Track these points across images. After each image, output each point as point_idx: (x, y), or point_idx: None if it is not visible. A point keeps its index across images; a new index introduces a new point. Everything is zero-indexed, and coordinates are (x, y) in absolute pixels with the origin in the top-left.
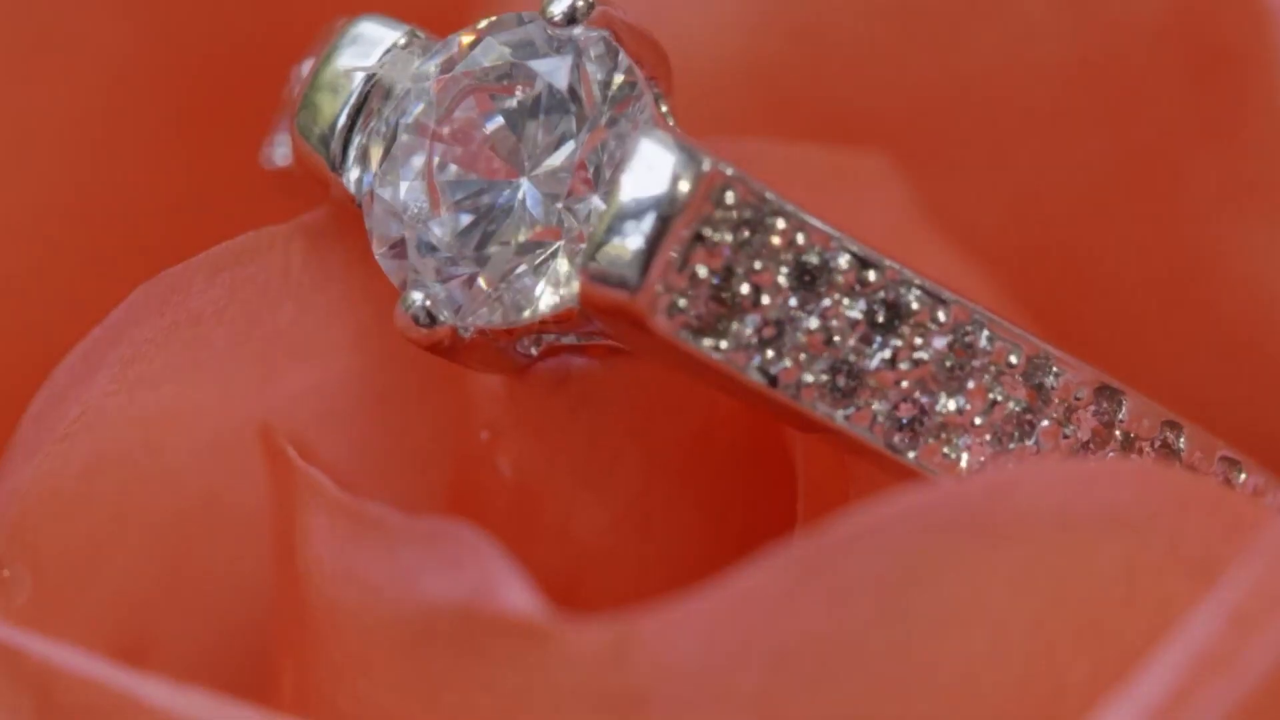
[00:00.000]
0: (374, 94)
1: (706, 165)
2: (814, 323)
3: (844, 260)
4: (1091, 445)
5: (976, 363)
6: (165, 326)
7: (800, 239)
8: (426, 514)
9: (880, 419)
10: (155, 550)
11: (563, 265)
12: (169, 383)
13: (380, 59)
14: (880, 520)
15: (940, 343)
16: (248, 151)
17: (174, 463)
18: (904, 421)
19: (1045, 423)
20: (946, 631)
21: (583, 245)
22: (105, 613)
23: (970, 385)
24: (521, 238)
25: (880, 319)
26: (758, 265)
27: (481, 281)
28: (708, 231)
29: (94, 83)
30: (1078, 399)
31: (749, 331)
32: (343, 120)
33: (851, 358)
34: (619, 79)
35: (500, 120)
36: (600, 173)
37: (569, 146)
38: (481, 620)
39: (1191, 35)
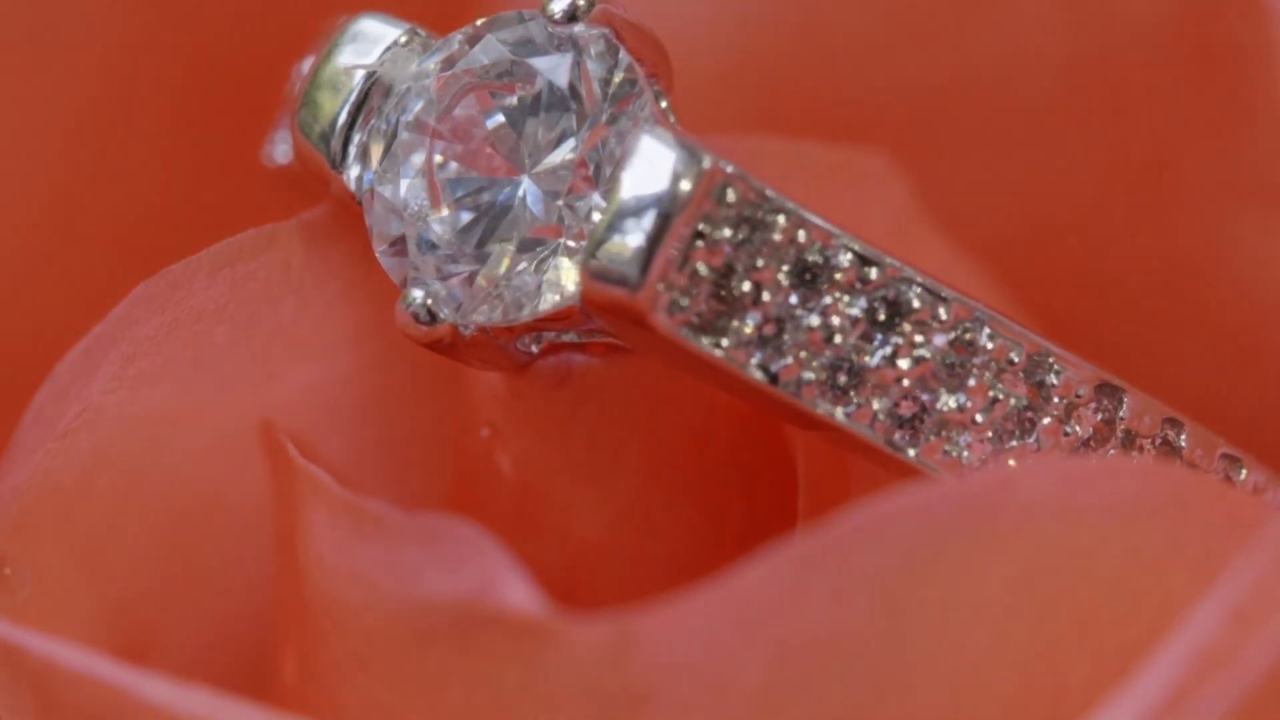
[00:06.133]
0: (374, 92)
1: (707, 163)
2: (815, 320)
3: (845, 258)
4: (1092, 443)
5: (977, 360)
6: (166, 324)
7: (801, 236)
8: (427, 511)
9: (881, 416)
10: (156, 548)
11: (563, 263)
12: (170, 380)
13: (381, 57)
14: (881, 518)
15: (941, 340)
16: (248, 149)
17: (175, 460)
18: (904, 419)
19: (1046, 420)
20: (947, 629)
21: (583, 243)
22: (106, 610)
23: (971, 383)
24: (522, 235)
25: (881, 316)
26: (758, 263)
27: (482, 279)
28: (708, 229)
29: (94, 80)
30: (1078, 396)
31: (749, 329)
32: (343, 118)
33: (852, 355)
34: (619, 76)
35: (500, 118)
36: (601, 170)
37: (569, 144)
38: (482, 618)
39: (1192, 32)
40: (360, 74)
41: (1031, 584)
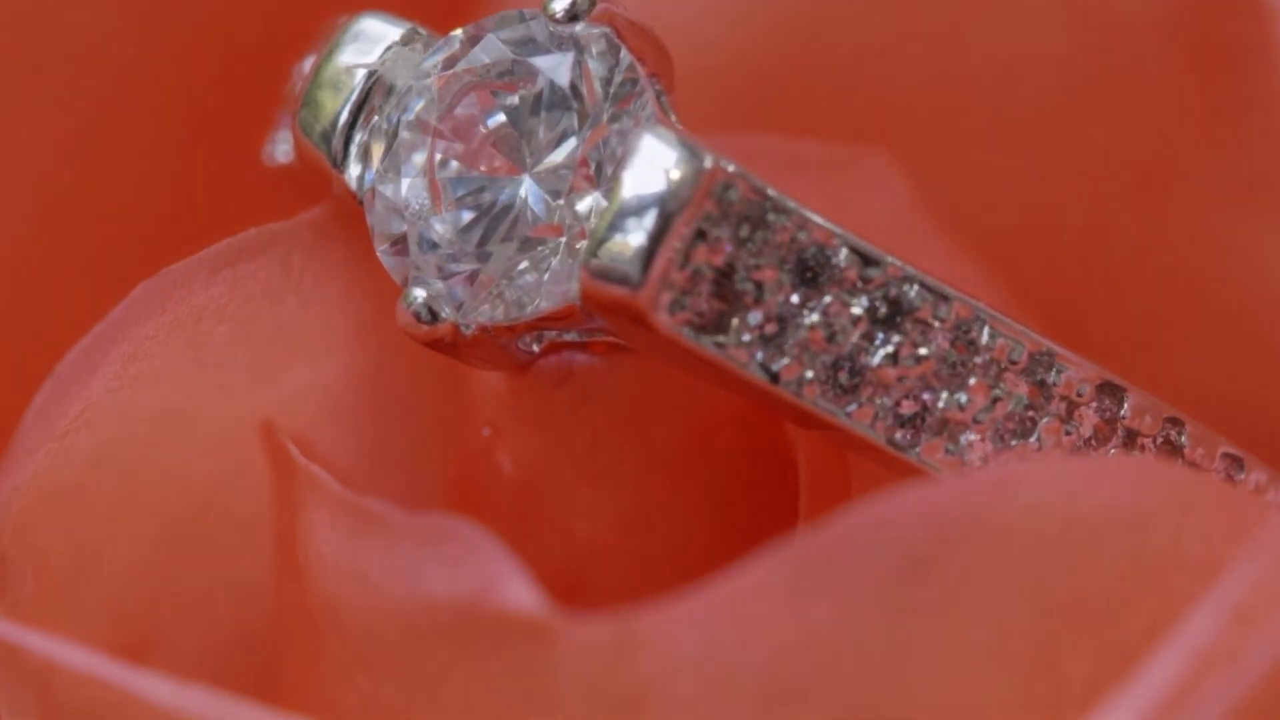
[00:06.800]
0: (375, 91)
1: (708, 162)
2: (816, 319)
3: (846, 257)
4: (1093, 442)
5: (978, 359)
6: (167, 323)
7: (802, 235)
8: (428, 511)
9: (882, 416)
10: (157, 547)
11: (564, 262)
12: (170, 380)
13: (382, 56)
14: (882, 517)
15: (942, 339)
16: (249, 149)
17: (176, 459)
18: (906, 418)
19: (1047, 419)
20: (948, 628)
21: (584, 242)
22: (107, 609)
23: (972, 382)
24: (523, 234)
25: (882, 315)
26: (759, 262)
27: (483, 278)
28: (709, 228)
29: (95, 80)
30: (1080, 396)
31: (751, 328)
32: (344, 117)
33: (853, 354)
34: (620, 75)
35: (502, 117)
36: (602, 169)
37: (570, 143)
38: (483, 617)
39: (1193, 32)
40: (361, 73)
41: (1032, 583)
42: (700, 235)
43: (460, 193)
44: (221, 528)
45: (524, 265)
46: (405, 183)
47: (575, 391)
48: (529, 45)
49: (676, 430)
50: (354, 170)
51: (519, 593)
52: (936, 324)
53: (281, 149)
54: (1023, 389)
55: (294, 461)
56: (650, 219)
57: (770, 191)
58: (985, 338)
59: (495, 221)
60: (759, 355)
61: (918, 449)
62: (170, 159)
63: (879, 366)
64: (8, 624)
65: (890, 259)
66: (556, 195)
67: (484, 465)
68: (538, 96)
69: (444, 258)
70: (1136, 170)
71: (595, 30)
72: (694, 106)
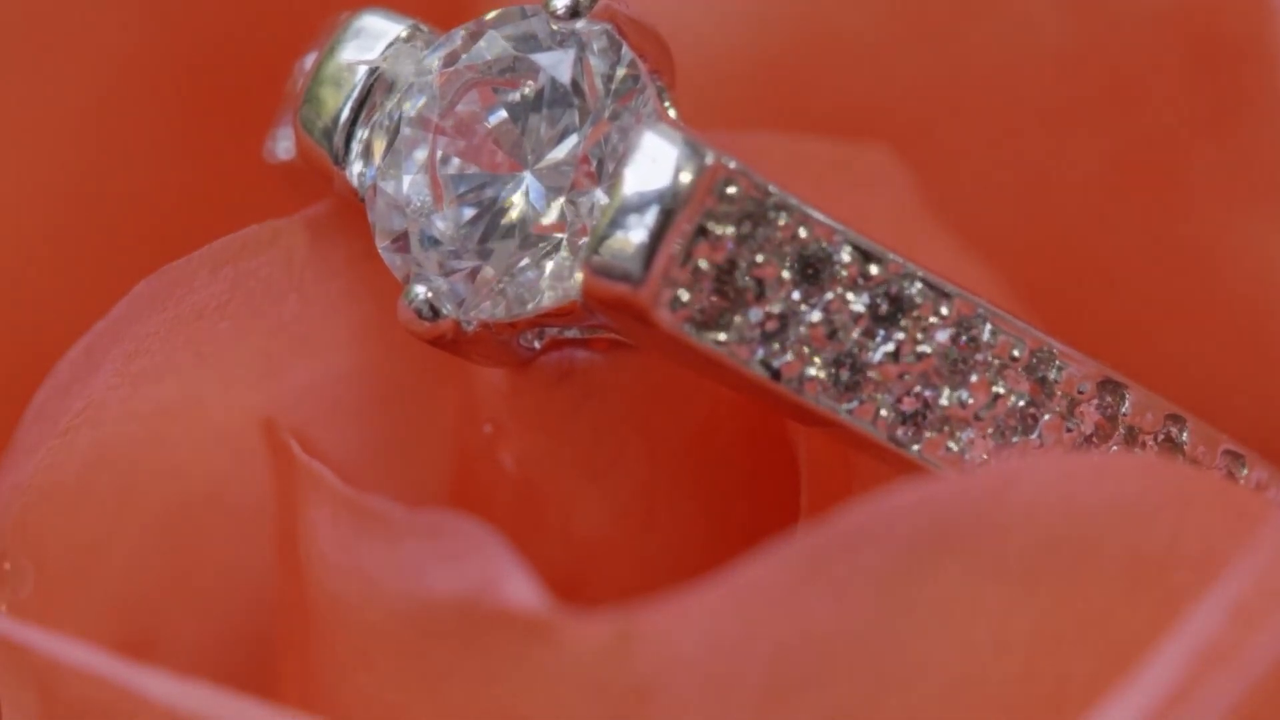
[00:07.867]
0: (377, 88)
1: (709, 158)
2: (817, 316)
3: (847, 254)
4: (1094, 439)
5: (980, 356)
6: (168, 320)
7: (803, 232)
8: (429, 508)
9: (883, 413)
10: (158, 544)
11: (565, 259)
12: (172, 377)
13: (383, 53)
14: (883, 514)
15: (943, 336)
16: (251, 145)
17: (177, 457)
18: (907, 415)
19: (1048, 416)
20: (949, 625)
21: (586, 239)
22: (108, 607)
23: (973, 379)
24: (524, 231)
25: (883, 312)
26: (761, 258)
27: (485, 275)
28: (711, 225)
29: (97, 76)
30: (1081, 393)
31: (752, 325)
32: (345, 114)
33: (854, 351)
34: (622, 72)
35: (503, 114)
36: (603, 166)
37: (572, 140)
38: (484, 614)
39: (1193, 29)
40: (363, 70)
41: (1033, 581)
42: (702, 232)
43: (462, 189)
44: (223, 525)
45: (525, 262)
46: (407, 179)
47: (577, 388)
48: (530, 42)
49: (678, 427)
50: (355, 167)
51: (520, 590)
52: (938, 321)
53: (283, 146)
54: (1024, 386)
55: (295, 459)
56: (651, 216)
57: (772, 188)
58: (987, 335)
59: (496, 218)
60: (760, 352)
61: (919, 446)
62: (171, 156)
63: (880, 363)
64: (10, 622)
65: (892, 256)
66: (558, 192)
67: (485, 462)
68: (539, 93)
69: (445, 254)
70: (1138, 167)
71: (596, 27)
72: (695, 103)
